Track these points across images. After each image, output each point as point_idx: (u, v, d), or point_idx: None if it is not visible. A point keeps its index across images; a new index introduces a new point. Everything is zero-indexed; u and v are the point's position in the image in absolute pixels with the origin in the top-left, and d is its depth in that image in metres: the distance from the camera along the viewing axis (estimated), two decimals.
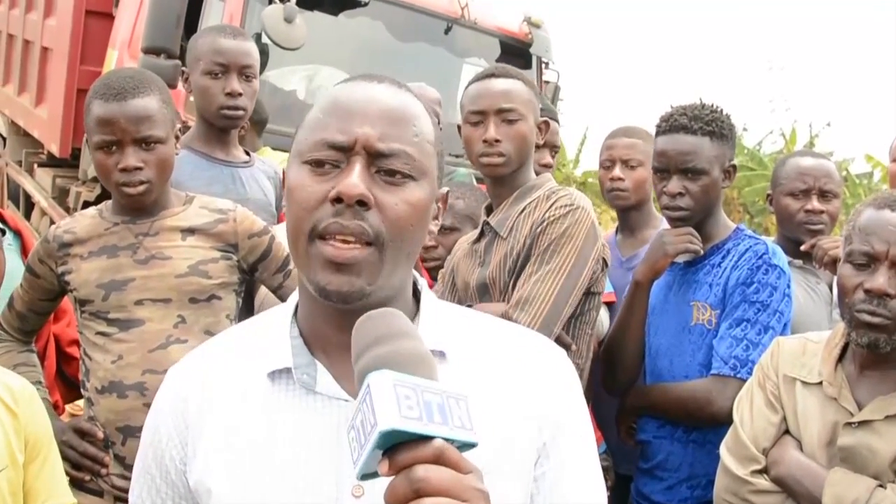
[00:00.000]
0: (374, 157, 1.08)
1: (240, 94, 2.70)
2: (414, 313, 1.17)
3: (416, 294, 1.21)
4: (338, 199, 1.05)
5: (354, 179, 1.05)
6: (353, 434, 0.86)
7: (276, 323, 1.18)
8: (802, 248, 2.80)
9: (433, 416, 0.85)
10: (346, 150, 1.07)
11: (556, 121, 3.09)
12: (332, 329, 1.12)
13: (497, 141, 2.28)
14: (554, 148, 3.06)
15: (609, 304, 2.85)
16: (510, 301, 2.20)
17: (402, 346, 0.91)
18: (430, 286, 2.86)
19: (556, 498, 1.12)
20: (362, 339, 0.93)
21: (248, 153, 2.91)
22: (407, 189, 1.09)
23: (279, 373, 1.12)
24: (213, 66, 2.69)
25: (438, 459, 0.84)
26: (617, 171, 3.13)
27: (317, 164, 1.08)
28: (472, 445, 0.87)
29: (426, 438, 0.84)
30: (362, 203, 1.05)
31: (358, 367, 0.91)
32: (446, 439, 0.85)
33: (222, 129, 2.77)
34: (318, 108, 1.14)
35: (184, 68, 2.82)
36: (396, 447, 0.84)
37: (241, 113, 2.72)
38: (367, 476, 0.87)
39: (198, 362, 1.21)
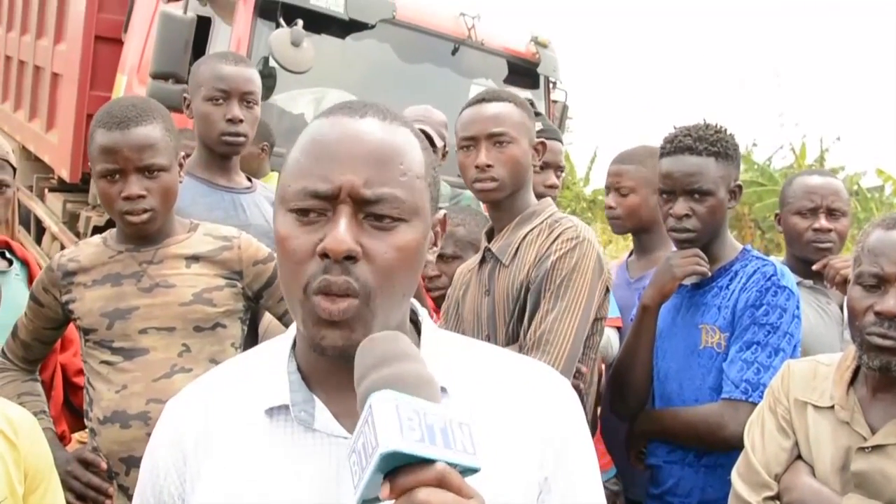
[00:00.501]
0: (361, 204, 1.04)
1: (241, 121, 2.69)
2: (415, 346, 1.14)
3: (416, 324, 1.19)
4: (325, 255, 1.02)
5: (341, 234, 1.01)
6: (355, 458, 0.85)
7: (274, 357, 1.16)
8: (814, 267, 2.78)
9: (436, 439, 0.83)
10: (330, 199, 1.03)
11: (559, 140, 3.07)
12: (330, 366, 1.09)
13: (489, 166, 2.26)
14: (558, 168, 3.04)
15: (617, 329, 2.82)
16: (525, 339, 2.17)
17: (404, 368, 0.91)
18: (436, 313, 2.85)
19: None
20: (365, 362, 0.92)
21: (249, 179, 2.90)
22: (397, 233, 1.05)
23: (277, 409, 1.10)
24: (215, 92, 2.68)
25: (441, 483, 0.82)
26: (609, 198, 3.15)
27: (302, 213, 1.05)
28: (474, 470, 0.86)
29: (428, 462, 0.83)
30: (350, 257, 1.02)
31: (361, 389, 0.90)
32: (449, 463, 0.83)
33: (223, 155, 2.76)
34: (298, 147, 1.09)
35: (185, 94, 2.82)
36: (398, 470, 0.83)
37: (241, 139, 2.71)
38: (367, 502, 0.85)
39: (196, 395, 1.19)
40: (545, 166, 2.94)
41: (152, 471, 1.17)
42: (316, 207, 1.04)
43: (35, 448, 1.69)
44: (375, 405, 0.84)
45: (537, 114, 3.12)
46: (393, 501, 0.83)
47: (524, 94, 5.82)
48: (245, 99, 2.72)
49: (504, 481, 1.04)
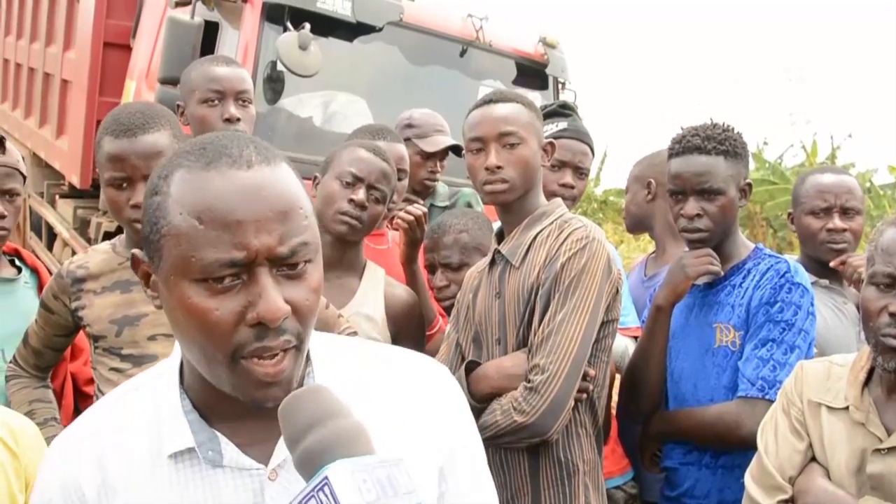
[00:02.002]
0: (276, 261, 1.02)
1: (238, 119, 2.68)
2: (306, 360, 1.16)
3: None
4: (259, 323, 1.01)
5: (274, 301, 1.00)
6: None
7: (163, 395, 1.13)
8: (832, 264, 2.76)
9: (386, 490, 0.90)
10: (247, 265, 1.01)
11: (583, 140, 3.01)
12: (232, 402, 1.08)
13: (499, 167, 2.25)
14: (577, 169, 3.00)
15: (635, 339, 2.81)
16: (534, 340, 2.16)
17: (338, 426, 0.94)
18: (444, 318, 2.84)
19: None
20: (296, 422, 0.94)
21: None
22: (308, 275, 1.06)
23: (181, 453, 1.08)
24: (209, 93, 2.68)
25: None
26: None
27: (215, 281, 1.01)
28: None
29: None
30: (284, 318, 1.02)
31: (300, 451, 0.93)
32: None
33: None
34: (187, 210, 1.01)
35: (179, 103, 2.80)
36: None
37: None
38: None
39: (86, 441, 1.14)
40: (562, 165, 2.91)
41: None
42: (229, 275, 1.01)
43: (37, 457, 1.68)
44: (333, 477, 0.89)
45: (570, 111, 3.09)
46: None
47: (533, 95, 5.82)
48: (240, 98, 2.71)
49: (416, 478, 1.06)
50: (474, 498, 1.19)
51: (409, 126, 3.64)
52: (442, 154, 3.67)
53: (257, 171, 1.03)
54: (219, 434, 1.09)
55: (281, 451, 1.06)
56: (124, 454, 1.11)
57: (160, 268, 1.05)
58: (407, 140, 3.57)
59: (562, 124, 2.96)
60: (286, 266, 1.04)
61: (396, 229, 2.85)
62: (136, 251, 1.12)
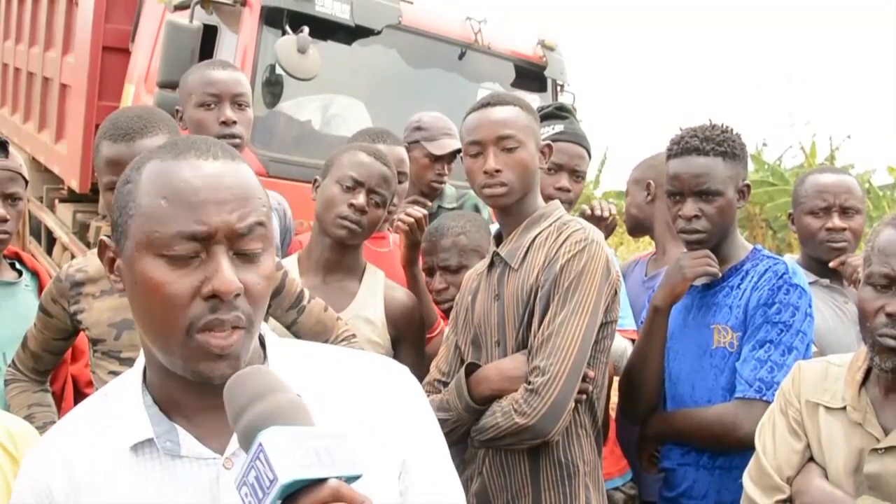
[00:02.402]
0: (233, 241, 1.10)
1: (234, 122, 2.69)
2: (262, 359, 1.22)
3: (261, 339, 1.25)
4: (213, 296, 1.07)
5: (228, 275, 1.07)
6: (247, 490, 0.92)
7: (126, 394, 1.20)
8: (831, 264, 2.76)
9: (323, 459, 0.92)
10: (205, 240, 1.08)
11: (580, 144, 3.01)
12: (187, 393, 1.15)
13: (497, 171, 2.25)
14: (574, 172, 2.99)
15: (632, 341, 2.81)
16: (533, 342, 2.16)
17: (277, 399, 0.97)
18: (444, 320, 2.84)
19: None
20: (237, 399, 0.98)
21: None
22: (262, 262, 1.13)
23: (141, 445, 1.14)
24: (206, 97, 2.68)
25: (336, 498, 0.90)
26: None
27: (174, 258, 1.08)
28: (357, 477, 0.95)
29: (320, 481, 0.91)
30: (237, 294, 1.08)
31: (241, 426, 0.96)
32: (338, 477, 0.92)
33: None
34: (153, 192, 1.10)
35: (177, 108, 2.81)
36: (294, 495, 0.90)
37: (237, 141, 2.70)
38: None
39: (55, 446, 1.21)
40: (558, 168, 2.91)
41: None
42: (189, 251, 1.08)
43: None
44: (266, 442, 0.91)
45: (567, 114, 3.08)
46: None
47: (531, 97, 5.82)
48: (237, 101, 2.71)
49: (368, 468, 1.08)
50: (437, 496, 1.22)
51: (419, 129, 3.65)
52: (450, 157, 3.67)
53: (222, 163, 1.13)
54: (177, 426, 1.14)
55: (236, 441, 1.09)
56: (89, 452, 1.17)
57: (125, 248, 1.12)
58: (415, 142, 3.58)
59: (558, 127, 2.95)
60: (242, 253, 1.11)
61: (397, 232, 2.86)
62: (103, 237, 1.20)
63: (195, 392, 1.14)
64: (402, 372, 1.30)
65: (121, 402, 1.19)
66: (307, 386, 1.15)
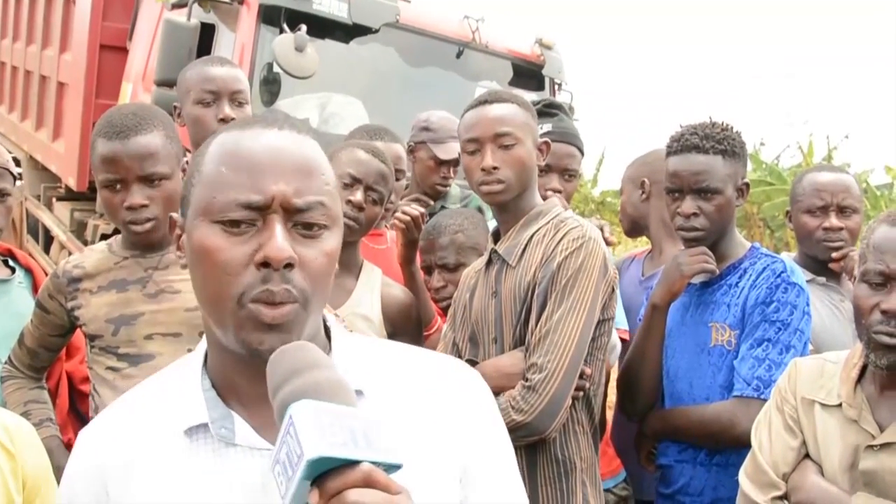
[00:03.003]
0: (291, 213, 1.07)
1: (233, 119, 2.68)
2: (327, 350, 1.17)
3: (328, 330, 1.21)
4: (264, 264, 1.04)
5: (280, 242, 1.04)
6: (279, 468, 0.87)
7: (185, 376, 1.17)
8: (832, 265, 2.76)
9: (358, 441, 0.86)
10: (261, 209, 1.06)
11: (572, 143, 3.00)
12: (247, 380, 1.12)
13: (495, 168, 2.25)
14: (565, 172, 2.99)
15: (623, 342, 2.80)
16: (531, 339, 2.16)
17: (317, 375, 0.93)
18: (442, 318, 2.84)
19: None
20: (278, 374, 0.94)
21: None
22: (324, 240, 1.10)
23: (196, 429, 1.10)
24: (204, 94, 2.68)
25: (368, 482, 0.85)
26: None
27: (230, 224, 1.06)
28: (397, 467, 0.88)
29: (353, 464, 0.85)
30: (289, 265, 1.05)
31: (277, 401, 0.92)
32: (373, 462, 0.86)
33: None
34: (215, 160, 1.10)
35: (175, 104, 2.81)
36: (324, 475, 0.85)
37: None
38: None
39: (111, 424, 1.19)
40: (548, 169, 2.90)
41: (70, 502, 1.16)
42: (245, 218, 1.06)
43: (33, 457, 1.68)
44: (296, 415, 0.86)
45: (558, 111, 3.07)
46: None
47: (529, 96, 5.81)
48: (235, 98, 2.71)
49: (424, 475, 1.05)
50: None
51: (426, 129, 3.60)
52: (456, 161, 3.64)
53: (286, 133, 1.11)
54: (234, 413, 1.11)
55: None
56: (144, 432, 1.14)
57: (187, 218, 1.11)
58: (422, 142, 3.55)
59: (546, 126, 2.93)
60: (302, 225, 1.08)
61: (394, 229, 2.86)
62: (173, 214, 1.18)
63: (253, 377, 1.09)
64: (473, 376, 1.24)
65: (179, 383, 1.16)
66: (370, 380, 1.13)
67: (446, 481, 1.11)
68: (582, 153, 3.09)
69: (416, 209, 2.79)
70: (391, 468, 0.88)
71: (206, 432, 1.10)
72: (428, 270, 2.86)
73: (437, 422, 1.14)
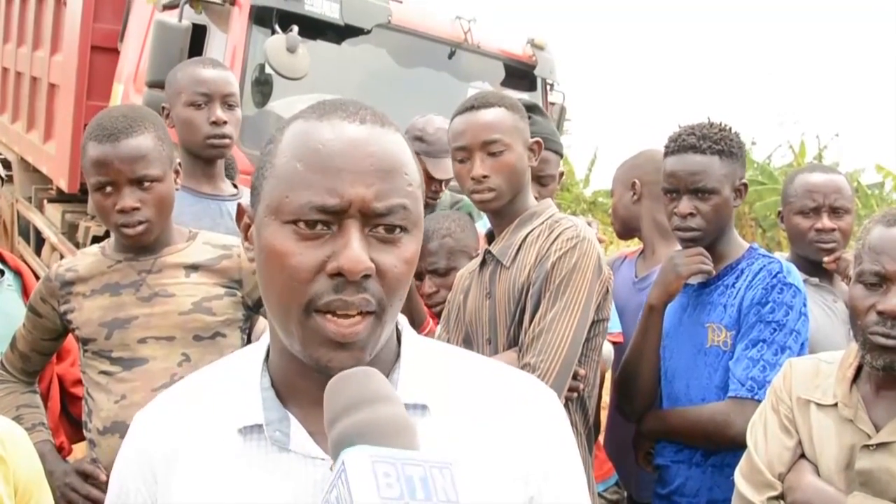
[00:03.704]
0: (369, 218, 0.99)
1: (225, 122, 2.68)
2: (395, 356, 1.11)
3: (398, 335, 1.15)
4: (338, 274, 0.97)
5: (357, 252, 0.97)
6: None
7: (245, 371, 1.12)
8: (826, 261, 2.76)
9: (416, 493, 0.81)
10: (337, 213, 0.98)
11: (551, 148, 2.95)
12: (308, 383, 1.06)
13: (485, 177, 2.24)
14: (540, 179, 2.91)
15: (616, 345, 2.79)
16: (524, 339, 2.15)
17: (379, 413, 0.87)
18: (434, 321, 2.83)
19: None
20: (336, 404, 0.89)
21: (235, 185, 2.89)
22: (403, 245, 1.02)
23: (250, 429, 1.06)
24: (196, 96, 2.68)
25: None
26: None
27: (304, 227, 0.99)
28: None
29: None
30: (366, 275, 0.98)
31: (333, 434, 0.87)
32: None
33: (208, 160, 2.74)
34: (289, 153, 1.01)
35: (164, 105, 2.80)
36: None
37: (227, 141, 2.70)
38: None
39: (166, 410, 1.15)
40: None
41: (121, 487, 1.14)
42: (320, 221, 0.99)
43: (25, 461, 1.67)
44: (349, 462, 0.81)
45: (531, 112, 3.04)
46: None
47: (521, 96, 5.81)
48: (226, 101, 2.71)
49: (489, 497, 1.01)
50: None
51: (421, 140, 3.43)
52: (449, 179, 3.57)
53: (369, 127, 1.03)
54: (291, 415, 1.06)
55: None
56: (198, 424, 1.10)
57: (257, 212, 1.04)
58: (415, 153, 3.46)
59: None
60: (380, 228, 1.00)
61: None
62: (241, 202, 1.12)
63: (315, 381, 1.02)
64: (548, 396, 1.15)
65: (238, 378, 1.11)
66: (436, 391, 1.07)
67: (511, 500, 1.05)
68: (560, 154, 3.05)
69: None
70: None
71: (259, 433, 1.05)
72: (419, 276, 2.85)
73: (506, 444, 1.07)
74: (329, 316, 0.98)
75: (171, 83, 2.78)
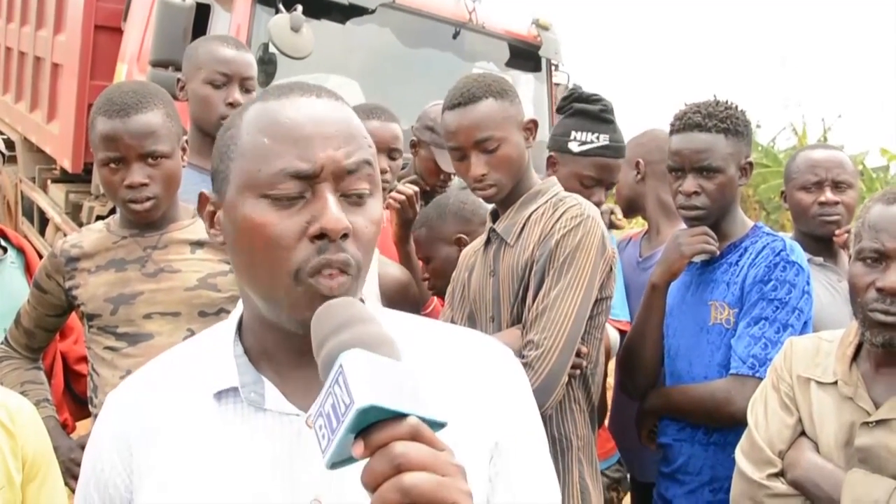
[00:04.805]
0: (339, 181, 1.05)
1: (241, 105, 2.67)
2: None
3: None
4: (319, 236, 1.02)
5: (336, 212, 1.02)
6: (322, 421, 0.84)
7: (218, 341, 1.16)
8: (836, 234, 2.75)
9: (406, 394, 0.84)
10: (310, 178, 1.04)
11: (619, 155, 2.85)
12: (281, 346, 1.11)
13: (484, 175, 2.23)
14: (612, 184, 2.85)
15: (623, 333, 2.79)
16: (527, 316, 2.16)
17: (365, 329, 0.91)
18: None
19: (510, 497, 1.12)
20: (325, 327, 0.92)
21: None
22: (370, 206, 1.08)
23: (225, 392, 1.10)
24: (216, 75, 2.65)
25: (415, 437, 0.83)
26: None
27: (279, 197, 1.03)
28: (441, 425, 0.86)
29: (398, 417, 0.83)
30: (345, 235, 1.03)
31: (323, 352, 0.90)
32: (420, 418, 0.84)
33: None
34: (255, 131, 1.06)
35: (180, 77, 2.78)
36: (369, 428, 0.82)
37: None
38: (337, 464, 0.85)
39: (138, 386, 1.18)
40: (596, 183, 2.75)
41: (95, 465, 1.16)
42: (295, 190, 1.04)
43: (33, 437, 1.69)
44: (347, 363, 0.83)
45: (611, 117, 2.86)
46: (367, 460, 0.83)
47: (526, 77, 5.81)
48: (245, 84, 2.69)
49: (457, 443, 1.02)
50: (528, 483, 1.15)
51: (432, 129, 3.37)
52: None
53: (326, 100, 1.09)
54: (264, 378, 1.10)
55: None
56: (173, 394, 1.13)
57: (227, 195, 1.08)
58: (424, 142, 3.40)
59: (603, 138, 2.77)
60: (348, 194, 1.06)
61: (389, 209, 2.85)
62: (203, 190, 1.15)
63: (290, 348, 1.09)
64: (506, 354, 1.22)
65: (210, 349, 1.15)
66: (405, 347, 1.08)
67: (477, 457, 1.10)
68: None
69: (409, 188, 2.78)
70: (436, 426, 0.86)
71: (235, 396, 1.09)
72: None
73: (470, 397, 1.13)
74: (318, 276, 1.03)
75: (191, 57, 2.75)
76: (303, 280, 1.03)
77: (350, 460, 0.84)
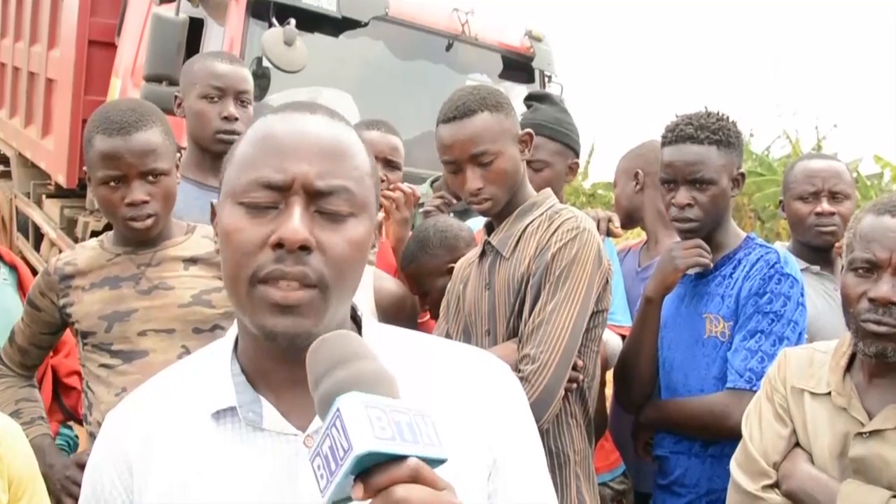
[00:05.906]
0: (314, 196, 1.05)
1: (236, 119, 2.68)
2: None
3: (356, 320, 1.21)
4: (279, 245, 1.03)
5: (296, 223, 1.03)
6: (320, 461, 0.85)
7: (214, 360, 1.16)
8: (836, 247, 2.76)
9: (405, 435, 0.84)
10: (282, 190, 1.05)
11: (556, 138, 2.93)
12: (277, 365, 1.11)
13: (479, 189, 2.23)
14: (534, 163, 2.87)
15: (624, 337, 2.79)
16: (524, 330, 2.16)
17: (362, 367, 0.91)
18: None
19: None
20: (319, 365, 0.92)
21: None
22: (348, 226, 1.07)
23: (223, 412, 1.10)
24: (210, 90, 2.67)
25: (415, 478, 0.83)
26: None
27: (252, 206, 1.05)
28: (441, 461, 0.87)
29: (399, 458, 0.83)
30: (304, 247, 1.03)
31: (319, 392, 0.90)
32: (419, 457, 0.84)
33: (216, 154, 2.73)
34: (247, 141, 1.10)
35: (177, 93, 2.80)
36: (369, 470, 0.83)
37: (235, 138, 2.70)
38: (337, 503, 0.85)
39: (137, 406, 1.18)
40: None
41: (95, 486, 1.16)
42: (267, 199, 1.05)
43: (19, 456, 1.68)
44: (344, 408, 0.84)
45: (541, 102, 3.05)
46: (368, 502, 0.83)
47: (519, 88, 5.82)
48: (240, 98, 2.71)
49: (457, 466, 1.03)
50: (526, 501, 1.15)
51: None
52: None
53: (319, 118, 1.11)
54: (262, 398, 1.10)
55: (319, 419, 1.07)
56: (171, 414, 1.13)
57: (220, 203, 1.12)
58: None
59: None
60: (326, 212, 1.06)
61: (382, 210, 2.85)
62: (213, 201, 1.17)
63: (281, 362, 1.09)
64: (503, 369, 1.23)
65: (208, 369, 1.15)
66: (401, 372, 1.06)
67: (476, 474, 1.10)
68: (564, 143, 2.98)
69: (406, 187, 2.79)
70: (436, 462, 0.86)
71: (233, 416, 1.09)
72: None
73: (468, 415, 1.13)
74: (270, 284, 1.04)
75: (187, 74, 2.78)
76: (255, 286, 1.04)
77: (350, 498, 0.85)
